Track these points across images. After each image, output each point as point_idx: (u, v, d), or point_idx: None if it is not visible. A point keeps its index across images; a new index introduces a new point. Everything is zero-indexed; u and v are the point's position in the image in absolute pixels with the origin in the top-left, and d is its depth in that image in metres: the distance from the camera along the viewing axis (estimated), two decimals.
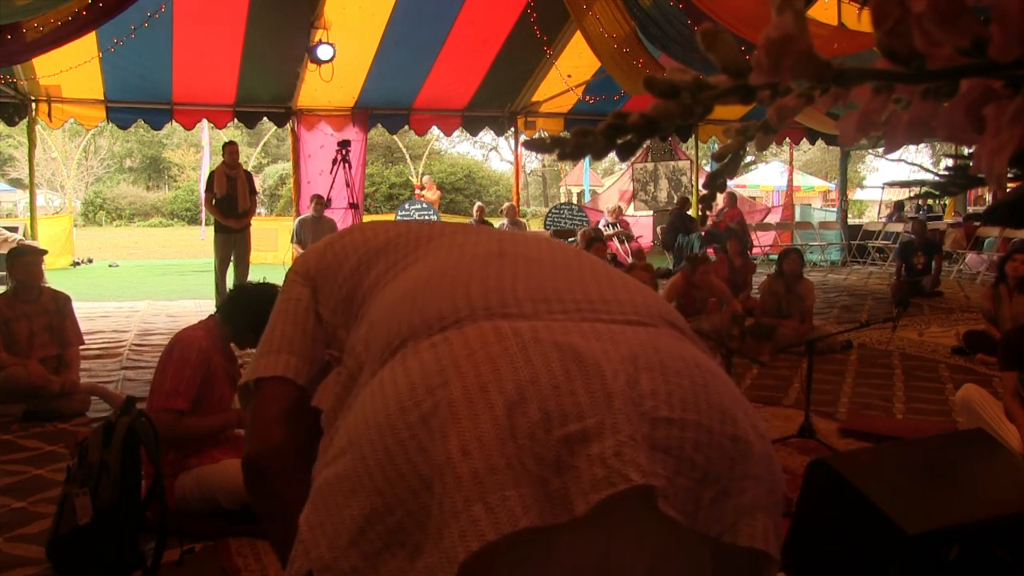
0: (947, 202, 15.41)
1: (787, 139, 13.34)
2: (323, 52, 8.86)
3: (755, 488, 0.77)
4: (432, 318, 0.84)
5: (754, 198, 20.33)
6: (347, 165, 10.07)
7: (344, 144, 10.10)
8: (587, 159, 14.29)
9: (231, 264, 8.51)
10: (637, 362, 0.77)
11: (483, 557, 0.69)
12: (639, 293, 0.93)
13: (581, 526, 0.71)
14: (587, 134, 0.39)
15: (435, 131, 12.24)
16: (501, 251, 0.98)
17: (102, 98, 9.63)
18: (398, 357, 0.83)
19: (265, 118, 10.59)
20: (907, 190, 16.74)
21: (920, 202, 15.81)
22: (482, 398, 0.74)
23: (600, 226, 11.97)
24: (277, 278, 3.60)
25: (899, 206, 14.97)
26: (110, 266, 14.78)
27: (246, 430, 1.12)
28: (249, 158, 18.43)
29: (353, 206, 10.24)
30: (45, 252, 5.19)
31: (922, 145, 22.76)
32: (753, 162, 24.96)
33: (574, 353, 0.76)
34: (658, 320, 0.88)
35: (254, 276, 3.53)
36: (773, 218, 15.44)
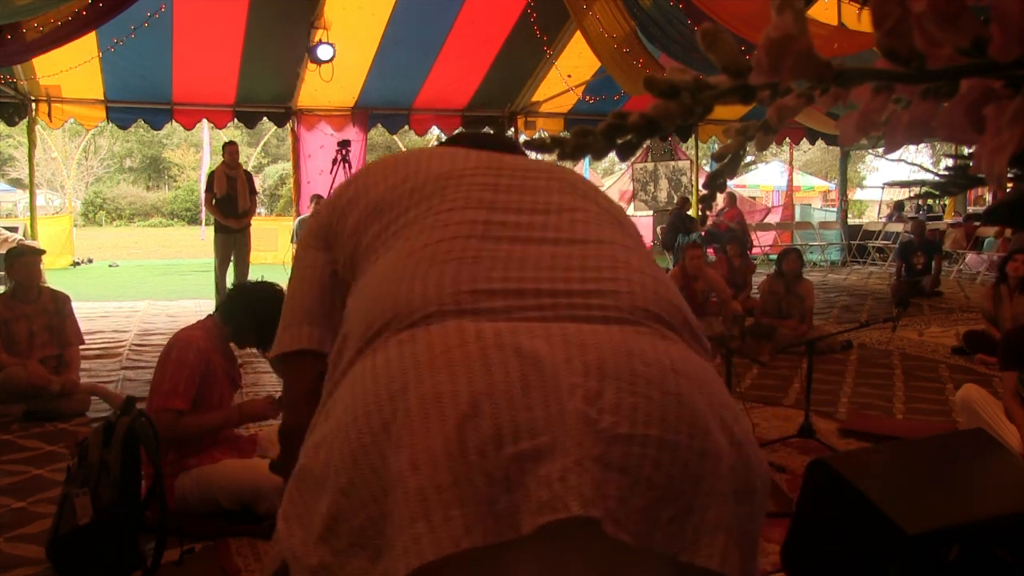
0: (947, 202, 15.41)
1: (787, 139, 13.34)
2: (323, 52, 8.86)
3: (720, 506, 0.73)
4: (404, 310, 0.82)
5: (754, 198, 20.33)
6: (347, 165, 10.06)
7: (344, 144, 10.10)
8: (587, 159, 14.28)
9: (231, 264, 8.51)
10: (604, 370, 0.73)
11: (431, 570, 0.69)
12: (630, 277, 0.86)
13: (531, 543, 0.70)
14: (587, 134, 0.39)
15: (435, 131, 12.24)
16: (488, 219, 0.91)
17: (102, 98, 9.62)
18: (375, 347, 0.83)
19: (265, 118, 10.59)
20: (907, 190, 16.74)
21: (920, 202, 15.81)
22: (436, 410, 0.73)
23: None
24: (277, 278, 3.60)
25: (899, 206, 14.97)
26: (110, 266, 14.78)
27: (282, 401, 1.18)
28: (249, 158, 18.43)
29: None
30: (43, 252, 5.19)
31: (922, 145, 22.76)
32: (753, 162, 24.96)
33: (535, 362, 0.73)
34: (642, 315, 0.82)
35: (254, 276, 3.53)
36: (773, 218, 15.44)
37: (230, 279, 8.08)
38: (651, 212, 14.55)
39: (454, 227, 0.90)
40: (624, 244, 0.94)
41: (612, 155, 0.43)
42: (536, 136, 11.74)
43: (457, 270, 0.84)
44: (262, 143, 22.40)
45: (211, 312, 3.21)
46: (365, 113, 10.67)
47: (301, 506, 0.80)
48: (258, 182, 12.53)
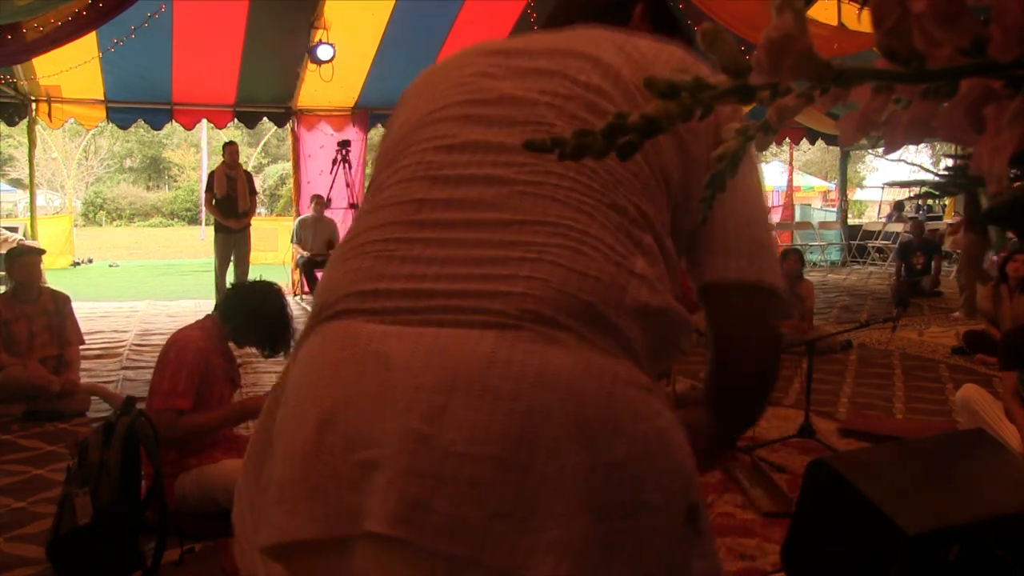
0: (947, 202, 15.41)
1: (787, 139, 13.34)
2: (323, 52, 8.86)
3: (560, 527, 0.70)
4: (329, 300, 0.85)
5: None
6: (347, 165, 10.07)
7: (344, 144, 10.11)
8: None
9: (231, 264, 8.52)
10: (455, 383, 0.72)
11: (292, 548, 0.78)
12: (533, 273, 0.77)
13: (374, 540, 0.73)
14: (587, 134, 0.39)
15: None
16: (424, 198, 0.85)
17: (102, 98, 9.62)
18: (309, 334, 0.87)
19: (265, 118, 10.59)
20: (907, 190, 16.75)
21: (920, 202, 15.81)
22: (304, 410, 0.79)
23: None
24: (277, 278, 3.60)
25: (899, 206, 14.98)
26: (110, 266, 14.79)
27: None
28: (249, 158, 18.44)
29: (353, 206, 10.23)
30: (43, 252, 5.19)
31: (922, 145, 22.76)
32: None
33: (390, 371, 0.74)
34: (531, 318, 0.75)
35: (254, 276, 3.53)
36: (773, 218, 15.42)
37: (230, 279, 8.09)
38: None
39: (390, 210, 0.87)
40: (565, 221, 0.80)
41: None
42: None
43: (371, 265, 0.83)
44: (262, 143, 22.41)
45: (210, 312, 3.21)
46: (365, 113, 10.67)
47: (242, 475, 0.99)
48: (258, 182, 12.54)
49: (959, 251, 11.75)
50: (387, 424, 0.73)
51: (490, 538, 0.70)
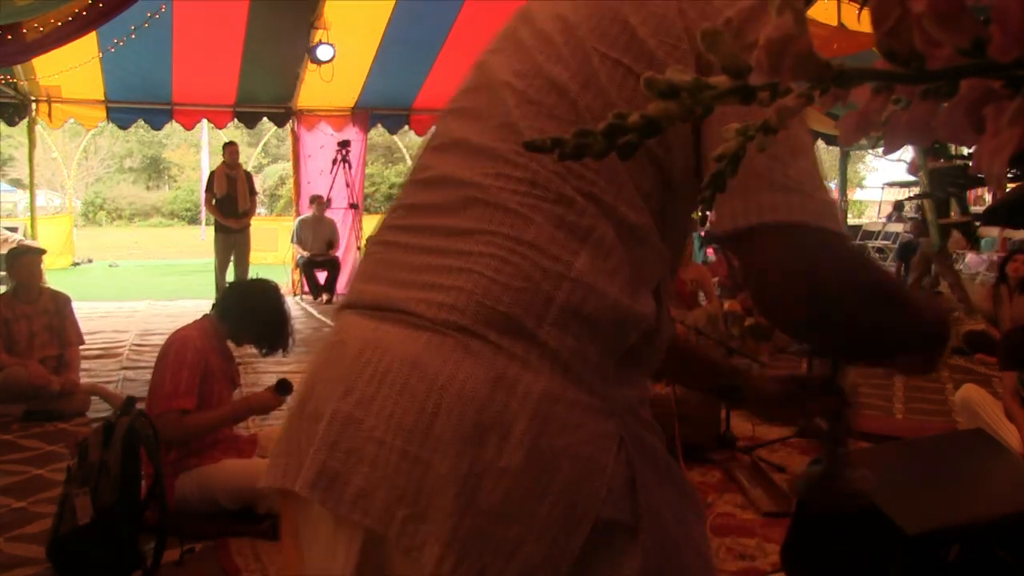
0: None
1: None
2: (323, 52, 8.86)
3: (443, 522, 0.76)
4: (350, 291, 0.96)
5: None
6: (347, 165, 10.07)
7: (344, 144, 10.10)
8: None
9: (231, 264, 8.52)
10: (386, 379, 0.81)
11: (276, 491, 0.90)
12: (463, 285, 0.81)
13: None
14: (587, 134, 0.39)
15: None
16: (411, 204, 0.93)
17: (102, 98, 9.62)
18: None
19: (265, 118, 10.58)
20: (907, 190, 16.74)
21: (920, 202, 15.79)
22: (304, 381, 0.92)
23: None
24: (277, 278, 3.60)
25: (899, 206, 14.97)
26: (110, 266, 14.79)
27: None
28: (249, 158, 18.42)
29: (353, 206, 10.24)
30: (44, 252, 5.19)
31: None
32: None
33: (344, 360, 0.85)
34: (448, 325, 0.80)
35: (253, 276, 3.53)
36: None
37: (230, 279, 8.09)
38: None
39: (391, 214, 0.97)
40: (501, 229, 0.82)
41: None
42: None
43: (365, 266, 0.94)
44: (262, 143, 22.40)
45: (206, 313, 3.20)
46: (365, 113, 10.67)
47: None
48: (258, 182, 12.54)
49: (959, 251, 11.76)
50: (331, 403, 0.83)
51: (394, 519, 0.78)
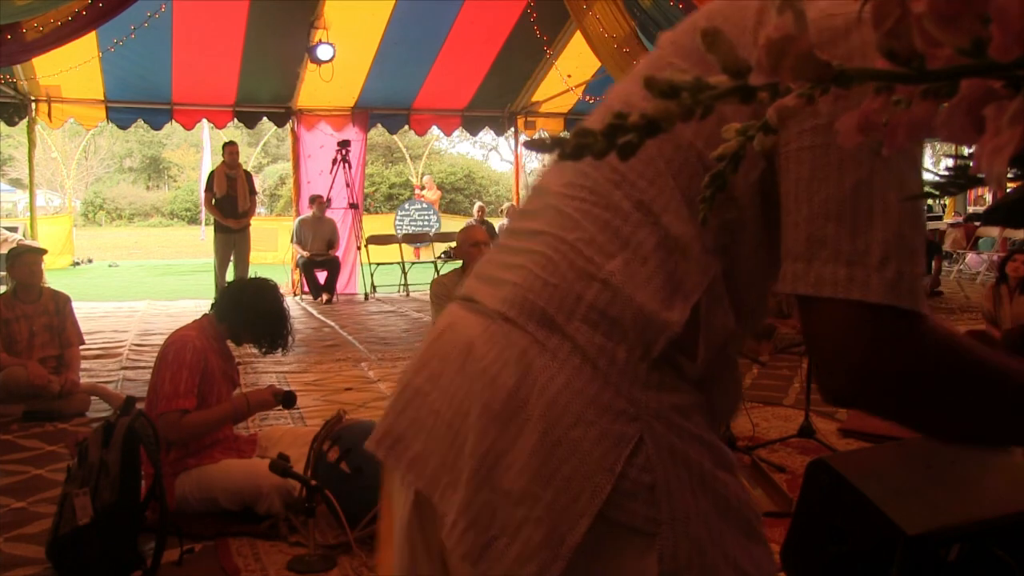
0: (947, 202, 15.41)
1: None
2: (323, 52, 8.86)
3: (463, 493, 0.83)
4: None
5: None
6: (347, 165, 10.07)
7: (344, 144, 10.11)
8: None
9: (231, 264, 8.52)
10: (449, 358, 0.90)
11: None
12: (516, 279, 0.88)
13: None
14: (587, 134, 0.39)
15: (435, 131, 12.24)
16: (522, 210, 1.00)
17: (102, 98, 9.63)
18: None
19: (265, 118, 10.59)
20: None
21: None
22: (414, 357, 0.99)
23: None
24: (277, 278, 3.60)
25: None
26: (110, 266, 14.80)
27: None
28: (249, 158, 18.43)
29: (353, 206, 10.24)
30: (45, 252, 5.19)
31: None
32: None
33: (432, 347, 0.94)
34: (498, 315, 0.88)
35: (253, 275, 3.53)
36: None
37: (230, 279, 8.09)
38: None
39: (519, 208, 1.03)
40: (554, 231, 0.88)
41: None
42: (536, 136, 11.75)
43: (485, 259, 1.00)
44: (262, 143, 22.41)
45: (205, 312, 3.19)
46: (365, 113, 10.67)
47: None
48: (258, 182, 12.54)
49: (959, 251, 11.76)
50: (409, 375, 0.94)
51: (438, 485, 0.86)
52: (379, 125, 11.17)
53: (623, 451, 0.80)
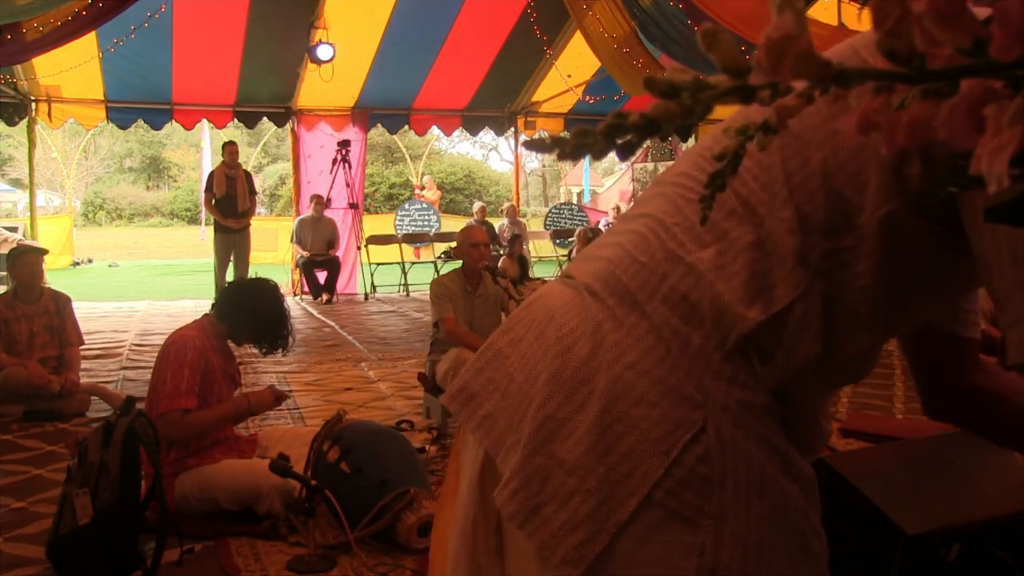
0: None
1: None
2: (323, 52, 8.86)
3: (520, 453, 0.85)
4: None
5: None
6: (347, 165, 10.07)
7: (344, 144, 10.11)
8: (587, 159, 14.29)
9: (231, 264, 8.52)
10: (532, 323, 0.92)
11: None
12: (604, 254, 0.93)
13: None
14: (587, 134, 0.39)
15: (435, 131, 12.24)
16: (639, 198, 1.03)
17: (102, 98, 9.63)
18: None
19: (265, 118, 10.59)
20: None
21: None
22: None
23: (600, 226, 11.98)
24: (277, 278, 3.60)
25: None
26: (110, 266, 14.80)
27: None
28: (249, 158, 18.43)
29: (353, 206, 10.24)
30: (46, 252, 5.19)
31: None
32: None
33: (520, 313, 0.97)
34: (583, 287, 0.91)
35: (253, 275, 3.52)
36: None
37: (230, 279, 8.09)
38: None
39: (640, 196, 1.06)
40: (656, 213, 0.91)
41: (612, 155, 0.43)
42: (536, 136, 11.75)
43: (595, 241, 1.02)
44: (262, 143, 22.41)
45: (205, 312, 3.19)
46: (365, 113, 10.68)
47: None
48: (258, 182, 12.54)
49: None
50: (494, 337, 0.96)
51: (503, 444, 0.88)
52: (379, 125, 11.18)
53: (682, 437, 0.79)
